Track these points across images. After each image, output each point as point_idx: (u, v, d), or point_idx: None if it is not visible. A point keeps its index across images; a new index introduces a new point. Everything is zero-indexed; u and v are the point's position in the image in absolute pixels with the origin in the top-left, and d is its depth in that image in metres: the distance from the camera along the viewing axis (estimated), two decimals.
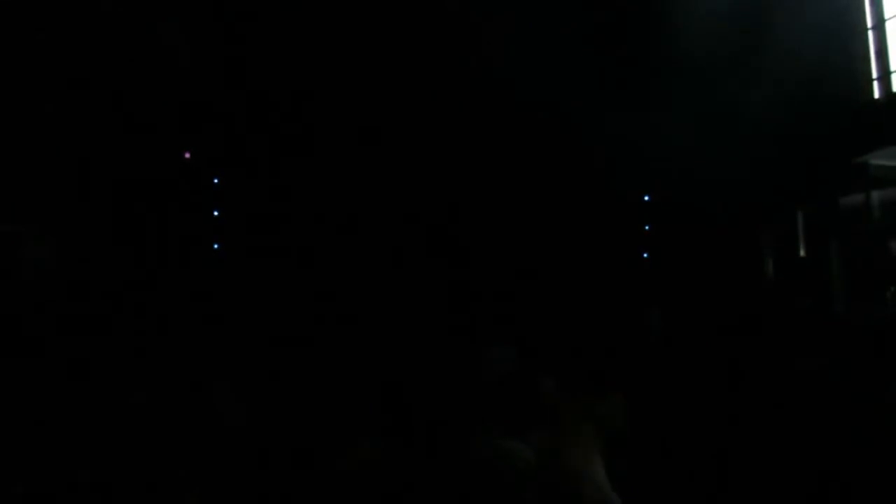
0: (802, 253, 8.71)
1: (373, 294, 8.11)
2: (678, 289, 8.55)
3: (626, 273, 8.61)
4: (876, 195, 8.46)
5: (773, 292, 8.68)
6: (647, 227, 8.78)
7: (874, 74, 8.89)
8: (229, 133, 8.14)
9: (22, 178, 7.34)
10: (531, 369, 5.73)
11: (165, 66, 7.70)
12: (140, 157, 7.71)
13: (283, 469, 5.50)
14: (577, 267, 8.48)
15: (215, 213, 8.15)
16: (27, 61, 7.28)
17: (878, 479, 5.66)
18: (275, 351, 7.11)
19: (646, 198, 8.75)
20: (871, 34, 8.93)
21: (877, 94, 8.91)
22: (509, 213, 8.45)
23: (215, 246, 8.14)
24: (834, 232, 8.70)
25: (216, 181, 8.20)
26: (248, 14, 7.98)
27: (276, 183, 8.28)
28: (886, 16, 8.86)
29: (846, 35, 8.78)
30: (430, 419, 5.76)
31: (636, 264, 8.72)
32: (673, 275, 8.65)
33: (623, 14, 8.52)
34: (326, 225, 8.35)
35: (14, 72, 7.25)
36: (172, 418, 5.69)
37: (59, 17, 7.33)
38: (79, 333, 6.94)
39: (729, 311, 8.20)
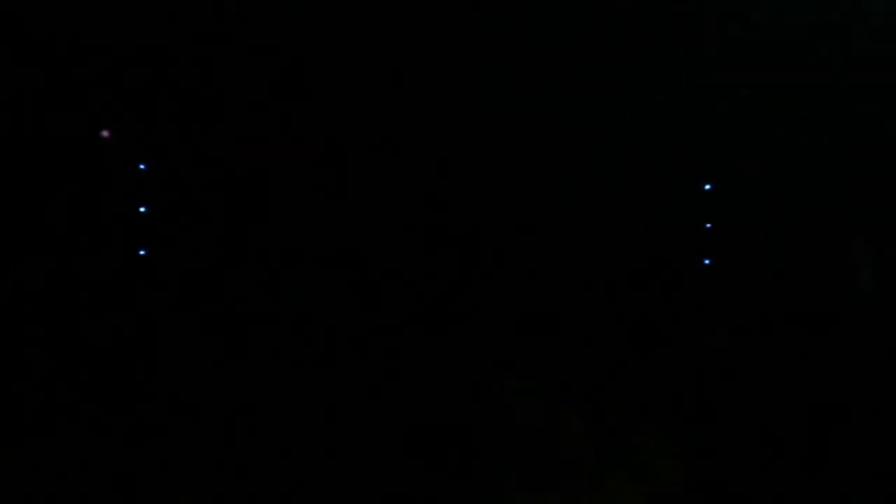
0: None
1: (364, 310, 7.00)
2: (748, 303, 7.25)
3: (678, 281, 7.28)
4: None
5: (875, 306, 7.33)
6: (707, 226, 7.39)
7: None
8: (160, 104, 6.78)
9: None
10: (555, 405, 5.49)
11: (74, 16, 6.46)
12: (43, 134, 6.46)
13: None
14: (614, 273, 7.21)
15: (142, 210, 6.77)
16: None
17: None
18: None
19: (707, 187, 7.38)
20: None
21: None
22: (529, 210, 7.32)
23: (141, 252, 6.77)
24: None
25: (143, 167, 6.80)
26: None
27: (223, 170, 6.94)
28: None
29: None
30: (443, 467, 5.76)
31: (692, 271, 7.36)
32: (742, 286, 7.32)
33: None
34: (298, 230, 7.08)
35: None
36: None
37: None
38: None
39: (816, 332, 7.02)
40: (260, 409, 6.41)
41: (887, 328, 7.04)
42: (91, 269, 6.66)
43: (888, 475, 6.10)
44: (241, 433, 6.27)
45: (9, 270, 6.44)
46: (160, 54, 6.79)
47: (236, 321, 6.83)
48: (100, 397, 6.38)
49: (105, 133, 6.62)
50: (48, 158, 6.59)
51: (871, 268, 7.31)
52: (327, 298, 7.02)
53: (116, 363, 6.56)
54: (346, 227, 7.18)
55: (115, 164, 6.71)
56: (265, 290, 6.94)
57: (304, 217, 7.14)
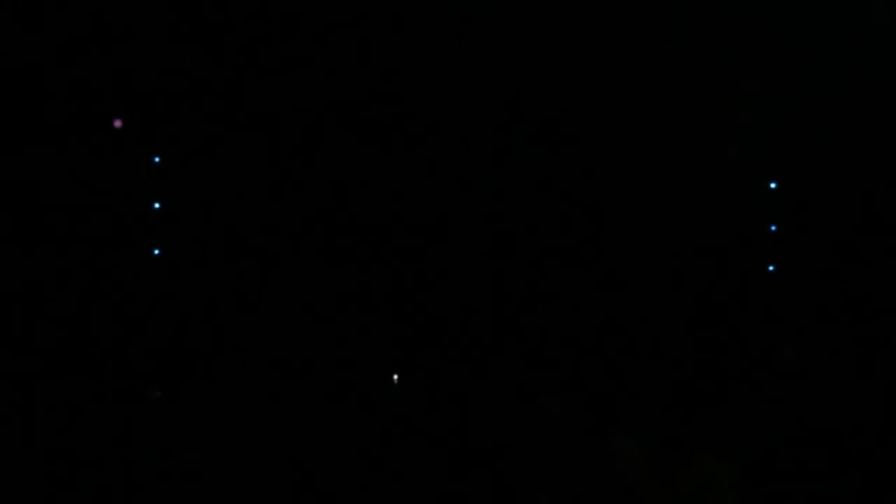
0: None
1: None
2: (819, 313, 6.76)
3: (740, 288, 6.79)
4: None
5: None
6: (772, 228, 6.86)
7: None
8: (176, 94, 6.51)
9: None
10: (596, 422, 5.01)
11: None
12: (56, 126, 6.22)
13: None
14: (668, 275, 6.79)
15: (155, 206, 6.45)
16: None
17: None
18: None
19: (772, 185, 6.84)
20: None
21: None
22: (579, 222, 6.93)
23: (155, 251, 6.44)
24: None
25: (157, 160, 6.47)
26: None
27: (243, 166, 6.62)
28: None
29: None
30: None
31: (757, 277, 6.86)
32: (812, 295, 6.82)
33: None
34: (318, 233, 6.75)
35: None
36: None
37: None
38: None
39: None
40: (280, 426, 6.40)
41: None
42: (103, 266, 6.48)
43: None
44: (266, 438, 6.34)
45: (16, 265, 6.35)
46: (176, 46, 6.63)
47: (252, 321, 6.70)
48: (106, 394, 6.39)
49: (117, 123, 6.38)
50: (58, 149, 6.42)
51: None
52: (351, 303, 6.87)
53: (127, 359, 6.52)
54: (363, 231, 6.98)
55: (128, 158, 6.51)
56: (284, 292, 6.74)
57: (331, 215, 6.90)
